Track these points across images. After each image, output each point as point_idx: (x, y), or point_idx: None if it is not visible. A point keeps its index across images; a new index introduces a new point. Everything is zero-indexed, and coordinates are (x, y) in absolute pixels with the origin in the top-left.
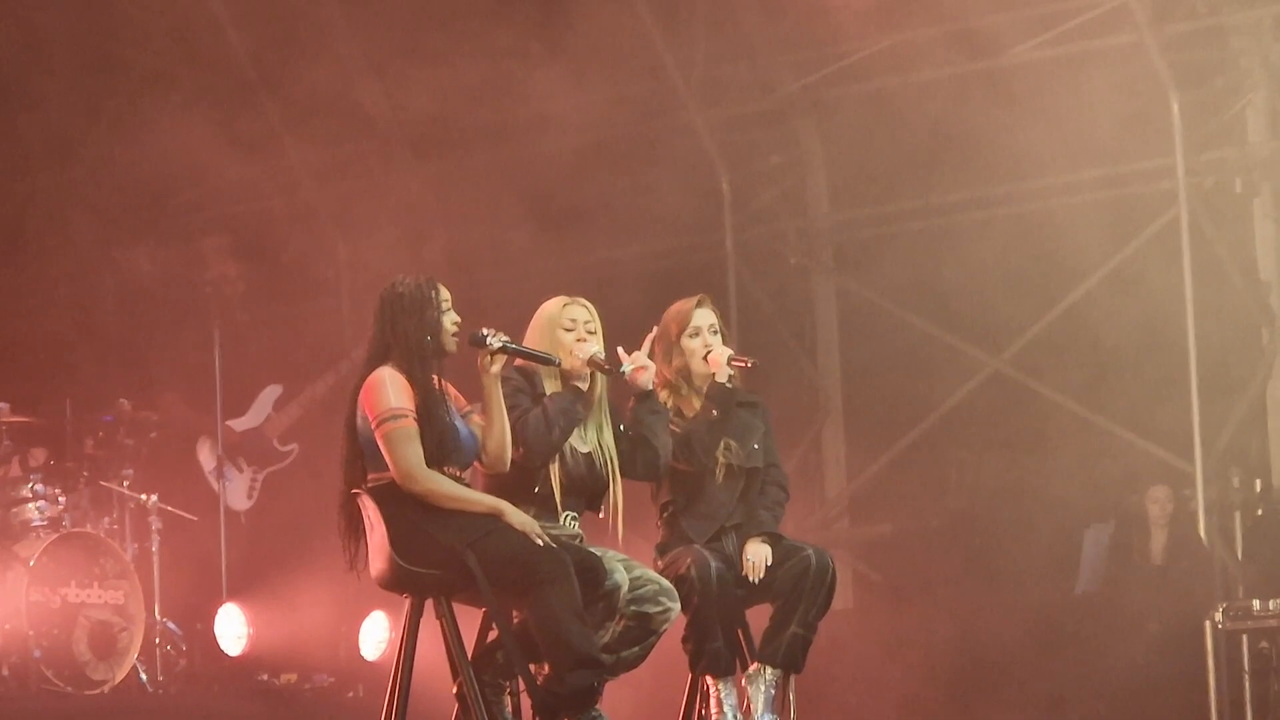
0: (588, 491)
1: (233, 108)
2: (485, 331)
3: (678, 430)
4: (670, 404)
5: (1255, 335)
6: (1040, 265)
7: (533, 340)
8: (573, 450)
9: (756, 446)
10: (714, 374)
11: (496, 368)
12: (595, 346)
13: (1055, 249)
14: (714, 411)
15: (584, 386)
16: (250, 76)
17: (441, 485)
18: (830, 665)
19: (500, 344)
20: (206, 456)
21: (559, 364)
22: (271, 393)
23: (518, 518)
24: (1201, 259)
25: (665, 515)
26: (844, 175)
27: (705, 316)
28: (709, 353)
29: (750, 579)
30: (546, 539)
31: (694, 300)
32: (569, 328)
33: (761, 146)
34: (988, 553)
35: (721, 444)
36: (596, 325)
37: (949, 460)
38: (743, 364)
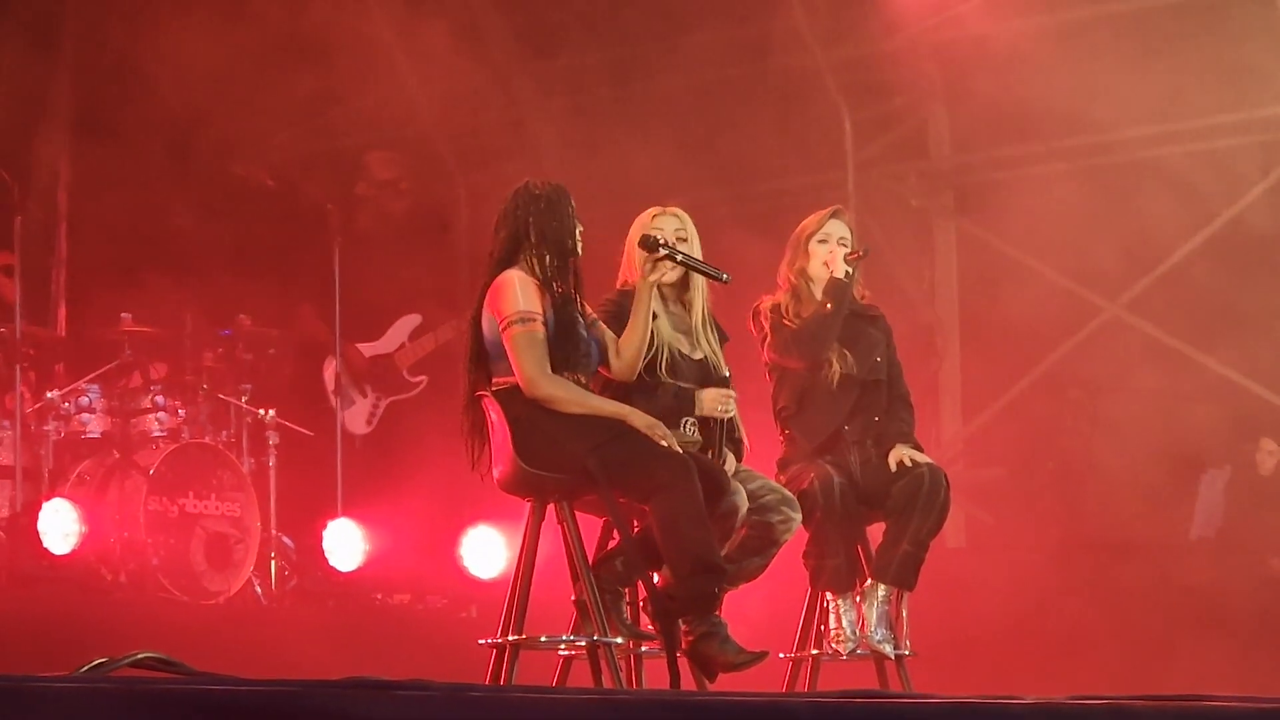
0: None
1: None
2: (658, 237)
3: (792, 328)
4: (790, 308)
5: None
6: (1158, 211)
7: (627, 250)
8: (684, 356)
9: (879, 360)
10: (831, 273)
11: (655, 275)
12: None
13: (1173, 196)
14: (828, 305)
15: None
16: None
17: (567, 391)
18: (944, 600)
19: (668, 250)
20: (330, 376)
21: (727, 280)
22: (409, 322)
23: (643, 420)
24: None
25: (783, 426)
26: (966, 118)
27: (838, 228)
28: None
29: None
30: (672, 441)
31: (831, 210)
32: None
33: (884, 87)
34: (1101, 494)
35: (836, 351)
36: (689, 233)
37: (1063, 403)
38: (855, 256)
